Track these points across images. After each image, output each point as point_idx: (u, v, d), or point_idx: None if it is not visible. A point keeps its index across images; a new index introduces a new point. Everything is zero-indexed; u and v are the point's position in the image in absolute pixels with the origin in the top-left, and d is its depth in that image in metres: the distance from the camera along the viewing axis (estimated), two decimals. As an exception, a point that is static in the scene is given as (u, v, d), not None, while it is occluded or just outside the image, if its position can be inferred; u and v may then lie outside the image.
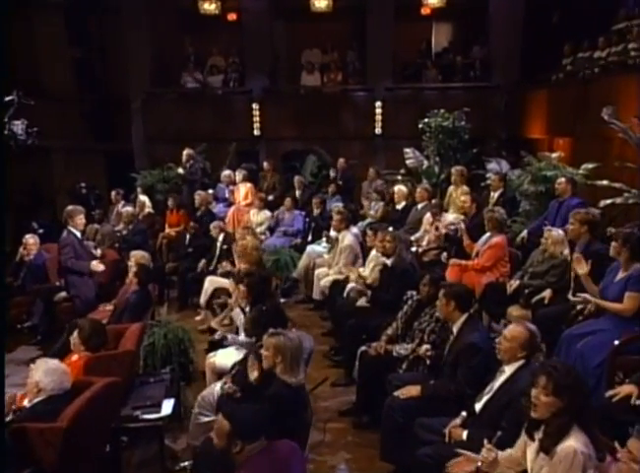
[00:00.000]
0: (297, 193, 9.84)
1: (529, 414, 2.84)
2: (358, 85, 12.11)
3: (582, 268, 4.53)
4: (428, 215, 7.38)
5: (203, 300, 7.01)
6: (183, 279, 7.85)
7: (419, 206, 7.99)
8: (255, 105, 11.81)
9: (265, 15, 12.00)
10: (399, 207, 8.49)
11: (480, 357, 3.90)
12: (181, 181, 10.55)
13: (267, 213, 9.06)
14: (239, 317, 5.10)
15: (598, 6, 10.52)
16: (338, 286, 6.58)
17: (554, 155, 7.24)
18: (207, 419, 4.41)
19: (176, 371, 5.39)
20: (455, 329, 4.10)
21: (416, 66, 12.17)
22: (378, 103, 11.55)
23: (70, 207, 6.91)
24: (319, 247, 8.04)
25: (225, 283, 6.81)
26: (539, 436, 2.81)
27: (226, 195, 10.01)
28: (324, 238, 8.15)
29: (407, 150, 9.73)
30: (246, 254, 5.90)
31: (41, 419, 3.56)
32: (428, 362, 4.38)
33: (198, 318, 7.19)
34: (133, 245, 8.13)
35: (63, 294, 7.02)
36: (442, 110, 8.88)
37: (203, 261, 7.81)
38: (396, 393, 4.05)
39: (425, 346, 4.41)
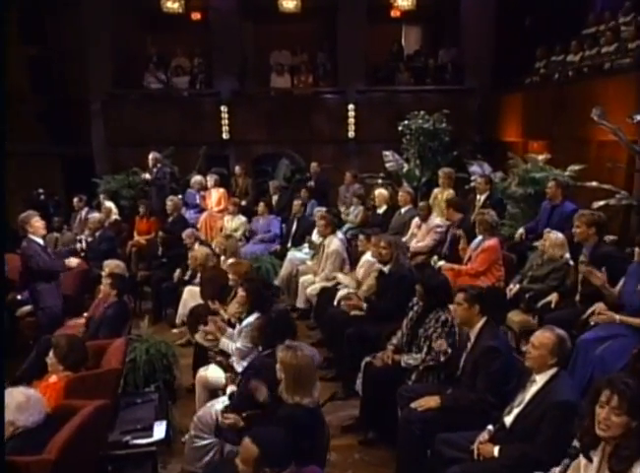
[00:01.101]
0: (274, 198, 9.49)
1: (583, 433, 2.61)
2: (330, 87, 11.85)
3: (598, 279, 4.36)
4: (417, 219, 7.17)
5: (181, 312, 6.59)
6: (157, 289, 7.40)
7: (403, 210, 7.79)
8: (224, 108, 11.40)
9: (233, 15, 11.62)
10: (380, 211, 8.27)
11: (500, 361, 3.69)
12: (148, 186, 10.07)
13: (242, 218, 8.69)
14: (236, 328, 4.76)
15: (567, 11, 10.65)
16: (326, 293, 6.29)
17: (541, 157, 7.13)
18: (204, 442, 4.06)
19: (161, 389, 5.01)
20: (473, 335, 3.87)
21: (389, 69, 12.01)
22: (351, 106, 11.32)
23: (22, 214, 6.41)
24: (301, 254, 7.73)
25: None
26: (596, 455, 2.57)
27: (197, 201, 9.58)
28: (306, 244, 7.85)
29: (386, 153, 9.54)
30: (237, 265, 5.54)
31: (25, 452, 3.13)
32: (443, 358, 4.13)
33: (176, 331, 6.76)
34: (100, 254, 7.69)
35: (27, 307, 6.53)
36: (422, 112, 8.72)
37: (178, 271, 7.39)
38: (413, 405, 3.78)
39: (440, 340, 4.14)
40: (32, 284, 6.10)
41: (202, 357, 5.52)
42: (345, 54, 11.56)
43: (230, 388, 4.12)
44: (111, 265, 6.17)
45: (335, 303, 6.08)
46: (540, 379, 3.33)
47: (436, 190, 7.98)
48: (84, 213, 9.00)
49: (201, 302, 6.22)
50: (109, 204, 9.10)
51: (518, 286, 5.43)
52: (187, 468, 4.11)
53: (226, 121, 11.42)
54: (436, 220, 7.11)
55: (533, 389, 3.34)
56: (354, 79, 11.46)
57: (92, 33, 11.35)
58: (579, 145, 8.47)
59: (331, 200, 9.83)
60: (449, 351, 4.10)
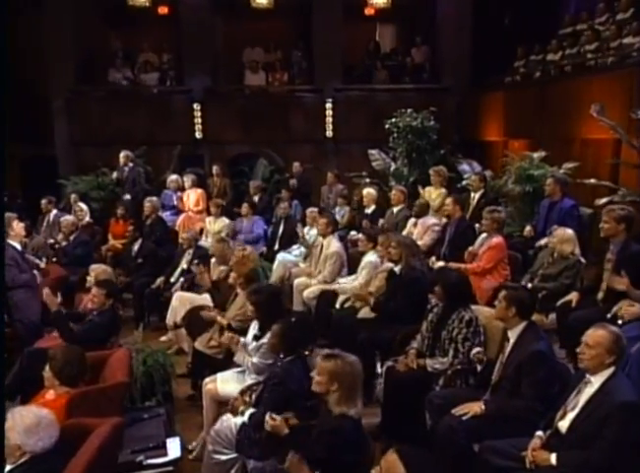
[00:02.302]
0: (255, 199, 9.14)
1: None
2: (306, 85, 11.58)
3: (622, 284, 4.22)
4: (413, 219, 6.98)
5: (171, 319, 6.19)
6: (140, 296, 6.95)
7: (395, 209, 7.58)
8: (196, 106, 10.97)
9: (203, 9, 11.21)
10: (368, 211, 8.05)
11: (547, 366, 3.50)
12: (118, 187, 9.59)
13: (225, 220, 8.31)
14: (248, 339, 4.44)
15: (542, 11, 10.75)
16: (326, 296, 6.03)
17: (536, 154, 7.05)
18: (225, 457, 3.74)
19: (162, 402, 4.65)
20: (513, 337, 3.66)
21: (365, 67, 11.84)
22: (329, 105, 11.07)
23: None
24: (290, 256, 7.43)
25: (200, 299, 6.09)
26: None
27: (174, 202, 9.14)
28: (295, 246, 7.56)
29: (372, 152, 9.33)
30: (242, 265, 5.21)
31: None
32: (479, 367, 3.92)
33: (164, 339, 6.36)
34: (75, 259, 7.23)
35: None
36: (410, 110, 8.56)
37: (162, 277, 6.98)
38: (455, 412, 3.55)
39: (477, 348, 3.93)
40: (7, 293, 5.60)
41: (200, 365, 5.19)
42: (321, 52, 11.31)
43: (249, 411, 3.77)
44: (98, 270, 5.77)
45: (338, 305, 5.84)
46: (595, 381, 3.15)
47: (428, 189, 7.82)
48: (52, 216, 8.44)
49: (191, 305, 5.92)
50: (82, 205, 8.57)
51: (530, 285, 5.28)
52: (206, 489, 3.78)
53: (199, 120, 10.99)
54: (432, 218, 6.93)
55: (589, 391, 3.16)
56: (331, 77, 11.23)
57: (52, 26, 10.78)
58: (562, 143, 8.47)
59: (313, 201, 9.54)
60: (485, 359, 3.89)
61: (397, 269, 5.07)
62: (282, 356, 3.91)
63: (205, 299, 6.11)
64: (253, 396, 4.13)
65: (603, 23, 9.33)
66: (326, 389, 3.03)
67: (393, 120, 8.69)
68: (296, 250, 7.56)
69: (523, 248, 6.26)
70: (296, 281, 6.62)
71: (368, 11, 12.16)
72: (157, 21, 11.92)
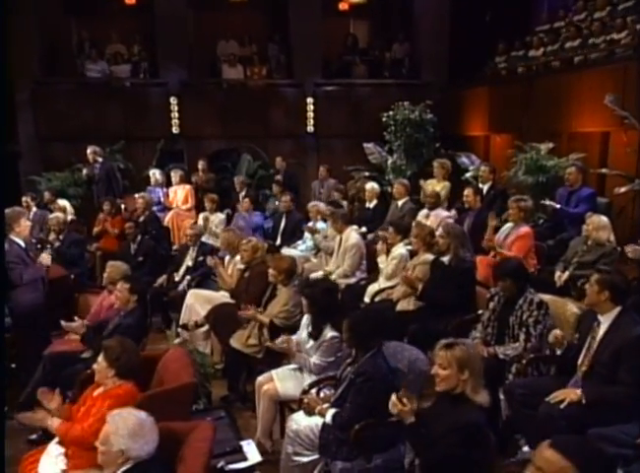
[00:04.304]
0: (241, 195, 8.81)
1: None
2: (286, 80, 11.31)
3: None
4: (424, 210, 6.89)
5: (185, 318, 5.83)
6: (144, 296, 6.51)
7: (399, 202, 7.47)
8: (173, 100, 10.50)
9: (176, 0, 10.77)
10: (370, 205, 7.90)
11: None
12: (93, 184, 9.05)
13: (220, 215, 7.97)
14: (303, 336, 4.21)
15: (517, 8, 11.00)
16: (352, 290, 5.85)
17: (543, 146, 7.12)
18: (306, 459, 3.56)
19: (205, 403, 4.35)
20: (606, 322, 3.57)
21: (342, 63, 11.70)
22: (310, 100, 10.86)
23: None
24: (296, 251, 7.18)
25: (218, 296, 5.78)
26: None
27: (161, 198, 8.69)
28: (299, 241, 7.33)
29: (368, 145, 9.20)
30: (278, 258, 4.97)
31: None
32: (559, 351, 3.82)
33: (178, 340, 5.96)
34: (69, 259, 6.74)
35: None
36: (406, 103, 8.48)
37: (164, 276, 6.61)
38: (551, 400, 3.44)
39: (556, 330, 3.83)
40: (11, 294, 5.11)
41: (236, 364, 4.91)
42: (299, 46, 11.06)
43: (331, 411, 3.53)
44: (113, 267, 5.34)
45: (367, 299, 5.67)
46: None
47: (430, 181, 7.76)
48: (32, 214, 7.83)
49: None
50: (63, 202, 8.00)
51: (567, 273, 5.28)
52: (287, 492, 3.53)
53: (176, 114, 10.53)
54: (444, 211, 6.87)
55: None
56: (311, 72, 10.99)
57: (12, 12, 10.02)
58: (549, 137, 8.61)
59: (303, 195, 9.32)
60: (565, 342, 3.80)
61: (445, 259, 4.93)
62: (353, 351, 3.71)
63: (223, 295, 5.83)
64: (321, 394, 3.92)
65: (582, 20, 9.62)
66: (455, 382, 2.84)
67: (390, 113, 8.58)
68: (302, 245, 7.33)
69: (541, 239, 6.27)
70: (312, 276, 6.38)
71: (342, 6, 12.04)
72: (124, 11, 11.34)
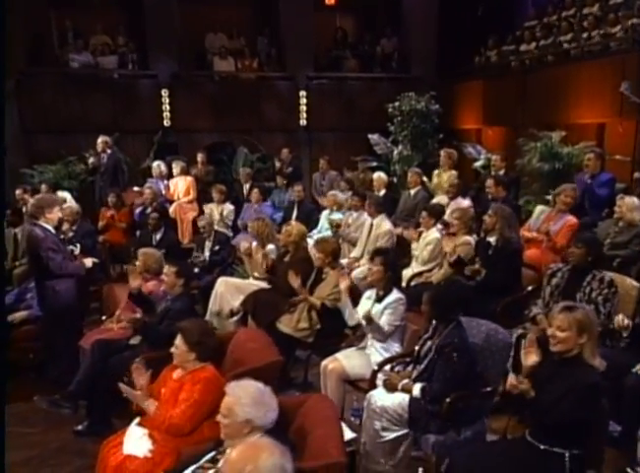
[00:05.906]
0: (245, 187, 8.68)
1: None
2: (277, 73, 11.20)
3: None
4: (445, 199, 6.92)
5: (214, 307, 5.68)
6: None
7: (412, 191, 7.51)
8: (164, 92, 10.24)
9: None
10: (379, 194, 7.89)
11: None
12: (95, 174, 8.78)
13: (229, 206, 7.83)
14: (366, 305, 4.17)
15: (505, 2, 11.25)
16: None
17: (555, 134, 7.28)
18: (395, 434, 3.51)
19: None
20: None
21: (331, 57, 11.67)
22: (302, 93, 10.78)
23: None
24: (311, 240, 7.08)
25: (248, 284, 5.67)
26: None
27: (162, 191, 8.46)
28: (315, 231, 7.27)
29: (372, 137, 9.18)
30: (323, 241, 4.93)
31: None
32: (625, 334, 3.89)
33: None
34: (84, 250, 6.46)
35: (22, 313, 5.26)
36: (412, 93, 8.52)
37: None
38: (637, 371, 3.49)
39: (620, 315, 3.90)
40: (46, 282, 4.87)
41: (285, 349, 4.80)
42: (290, 39, 10.99)
43: (417, 386, 3.51)
44: (147, 254, 5.17)
45: (404, 284, 5.64)
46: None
47: (437, 171, 7.82)
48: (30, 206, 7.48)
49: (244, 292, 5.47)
50: (64, 194, 7.68)
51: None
52: (374, 468, 3.46)
53: (167, 107, 10.27)
54: (465, 201, 6.90)
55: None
56: (303, 65, 10.94)
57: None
58: (545, 129, 8.83)
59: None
60: (630, 324, 3.86)
61: (492, 239, 4.96)
62: (430, 327, 3.70)
63: (253, 283, 5.71)
64: (396, 369, 3.88)
65: (572, 16, 9.90)
66: (574, 344, 2.85)
67: (396, 104, 8.62)
68: (317, 235, 7.26)
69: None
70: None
71: (328, 0, 12.02)
72: (108, 1, 11.02)
